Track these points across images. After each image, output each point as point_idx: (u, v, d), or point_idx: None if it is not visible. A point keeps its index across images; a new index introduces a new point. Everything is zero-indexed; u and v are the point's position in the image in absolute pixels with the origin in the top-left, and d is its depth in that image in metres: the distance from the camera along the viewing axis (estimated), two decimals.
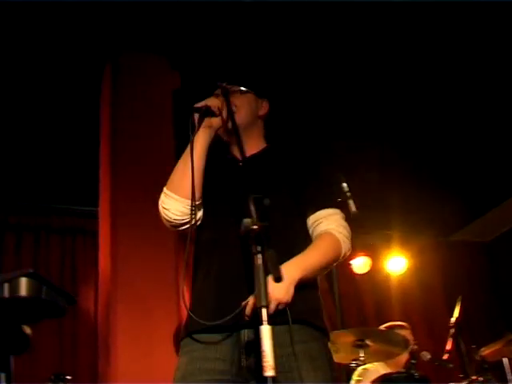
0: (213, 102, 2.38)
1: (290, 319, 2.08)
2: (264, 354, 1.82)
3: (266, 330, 1.84)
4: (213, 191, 2.40)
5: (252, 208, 1.95)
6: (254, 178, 2.33)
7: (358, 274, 6.76)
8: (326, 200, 2.39)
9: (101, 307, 4.84)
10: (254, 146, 2.51)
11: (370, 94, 5.34)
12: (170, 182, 2.37)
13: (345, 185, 4.42)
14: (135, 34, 4.48)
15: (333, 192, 2.46)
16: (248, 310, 2.09)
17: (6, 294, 1.77)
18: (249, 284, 2.10)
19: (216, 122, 2.38)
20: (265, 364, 1.81)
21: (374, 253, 6.84)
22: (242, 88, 2.52)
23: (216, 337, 2.18)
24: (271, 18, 4.47)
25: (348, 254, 2.34)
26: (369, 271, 6.72)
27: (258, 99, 2.55)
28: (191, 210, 2.27)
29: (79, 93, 5.01)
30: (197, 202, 2.29)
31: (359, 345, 3.83)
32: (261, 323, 1.84)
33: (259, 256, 1.91)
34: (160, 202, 2.36)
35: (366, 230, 6.72)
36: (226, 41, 4.55)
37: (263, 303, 1.86)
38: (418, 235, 7.16)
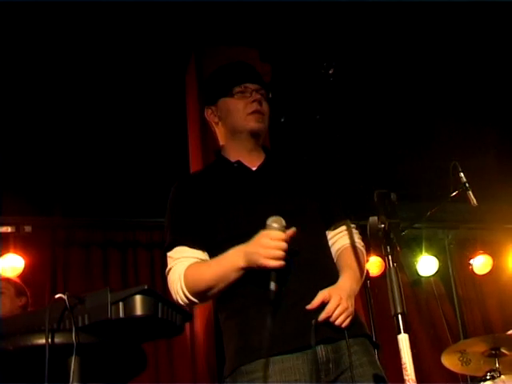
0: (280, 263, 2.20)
1: (346, 334, 2.20)
2: (404, 366, 1.78)
3: (404, 340, 1.80)
4: (232, 203, 2.40)
5: (379, 204, 1.91)
6: (274, 185, 2.45)
7: (479, 275, 6.57)
8: (346, 212, 2.55)
9: (199, 326, 4.91)
10: (260, 154, 2.58)
11: (488, 73, 5.24)
12: (195, 287, 2.40)
13: (462, 175, 4.29)
14: (223, 26, 4.54)
15: (347, 204, 2.58)
16: (323, 316, 2.18)
17: (122, 313, 1.78)
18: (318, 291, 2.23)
19: None
20: (406, 377, 1.78)
21: (495, 250, 6.63)
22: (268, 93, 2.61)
23: (290, 357, 2.17)
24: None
25: None
26: (491, 271, 6.54)
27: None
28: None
29: (164, 93, 5.13)
30: None
31: (494, 354, 3.74)
32: (398, 332, 1.81)
33: (389, 258, 1.88)
34: (178, 295, 2.44)
35: (485, 226, 6.54)
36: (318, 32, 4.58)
37: (399, 310, 1.82)
38: None
